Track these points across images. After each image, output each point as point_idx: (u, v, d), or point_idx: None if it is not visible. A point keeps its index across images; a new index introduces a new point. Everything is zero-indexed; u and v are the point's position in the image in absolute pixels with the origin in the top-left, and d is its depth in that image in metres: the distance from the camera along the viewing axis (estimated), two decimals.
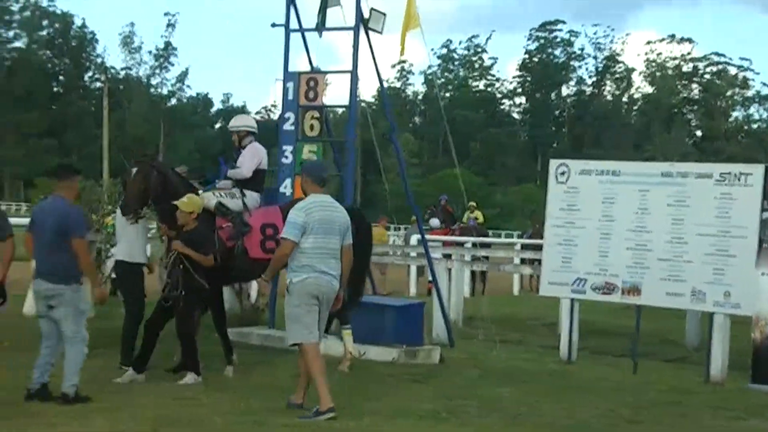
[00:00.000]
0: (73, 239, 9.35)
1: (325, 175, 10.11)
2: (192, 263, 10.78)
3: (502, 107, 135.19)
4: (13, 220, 11.15)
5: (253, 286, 16.33)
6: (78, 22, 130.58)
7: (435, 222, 27.16)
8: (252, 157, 12.45)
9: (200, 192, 12.02)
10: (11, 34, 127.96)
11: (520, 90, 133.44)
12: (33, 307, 14.91)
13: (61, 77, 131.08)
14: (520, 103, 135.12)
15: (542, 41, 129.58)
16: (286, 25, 14.51)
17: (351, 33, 13.98)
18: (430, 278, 24.70)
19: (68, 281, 9.38)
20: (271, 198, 13.29)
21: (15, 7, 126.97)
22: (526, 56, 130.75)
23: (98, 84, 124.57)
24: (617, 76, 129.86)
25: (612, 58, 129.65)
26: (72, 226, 9.43)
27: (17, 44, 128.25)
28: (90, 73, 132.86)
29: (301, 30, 14.67)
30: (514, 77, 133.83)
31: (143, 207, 11.57)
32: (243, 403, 9.55)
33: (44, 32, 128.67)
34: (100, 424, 8.42)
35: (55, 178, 10.10)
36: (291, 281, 9.37)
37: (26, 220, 13.68)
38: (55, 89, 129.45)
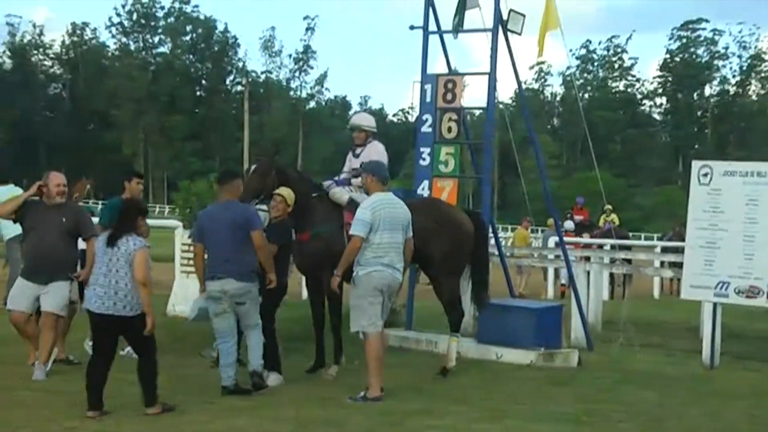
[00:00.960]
0: (252, 231, 9.98)
1: (387, 175, 10.72)
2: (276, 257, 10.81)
3: (642, 108, 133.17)
4: (157, 222, 11.59)
5: None
6: (220, 26, 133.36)
7: (569, 224, 26.76)
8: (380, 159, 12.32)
9: (330, 189, 12.10)
10: (156, 39, 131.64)
11: (661, 90, 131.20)
12: (174, 308, 15.40)
13: (203, 81, 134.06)
14: (661, 104, 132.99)
15: (684, 40, 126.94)
16: (425, 28, 14.56)
17: (489, 34, 13.97)
18: (563, 281, 24.62)
19: (253, 279, 10.12)
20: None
21: (160, 13, 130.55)
22: (668, 56, 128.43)
23: (239, 88, 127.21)
24: (763, 75, 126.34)
25: (757, 57, 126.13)
26: (251, 220, 10.12)
27: (162, 49, 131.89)
28: (231, 77, 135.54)
29: (440, 32, 14.70)
30: (654, 77, 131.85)
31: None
32: (382, 403, 9.61)
33: (187, 37, 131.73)
34: (243, 423, 8.58)
35: (219, 184, 10.62)
36: (357, 274, 10.07)
37: (168, 222, 14.12)
38: (197, 93, 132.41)
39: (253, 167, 11.75)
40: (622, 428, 9.11)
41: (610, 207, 30.04)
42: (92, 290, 8.87)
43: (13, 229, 14.93)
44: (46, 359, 10.58)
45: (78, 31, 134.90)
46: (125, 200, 10.08)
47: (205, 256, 10.20)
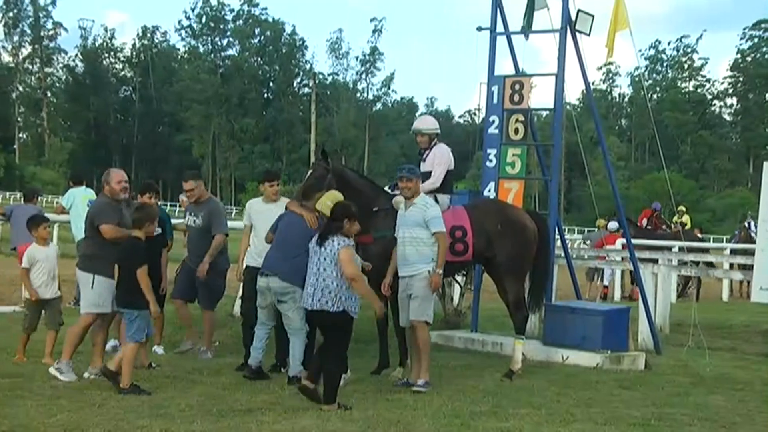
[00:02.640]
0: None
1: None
2: None
3: (712, 108, 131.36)
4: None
5: (456, 290, 16.33)
6: (288, 29, 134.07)
7: (613, 225, 26.16)
8: (441, 164, 12.08)
9: (394, 195, 11.94)
10: (225, 42, 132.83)
11: (731, 91, 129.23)
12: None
13: (271, 84, 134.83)
14: (732, 105, 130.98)
15: (756, 40, 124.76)
16: (492, 29, 14.49)
17: (557, 35, 13.87)
18: (605, 283, 24.38)
19: (298, 283, 10.22)
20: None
21: (229, 16, 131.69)
22: (739, 56, 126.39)
23: (307, 90, 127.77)
24: None
25: None
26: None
27: (230, 52, 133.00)
28: (299, 80, 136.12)
29: (507, 33, 14.62)
30: (725, 78, 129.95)
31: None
32: (450, 405, 9.59)
33: (256, 40, 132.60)
34: (309, 423, 8.58)
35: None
36: (432, 270, 10.50)
37: (236, 224, 14.30)
38: (266, 96, 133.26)
39: (309, 172, 11.60)
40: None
41: (683, 209, 29.71)
42: (306, 288, 9.62)
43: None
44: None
45: (148, 35, 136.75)
46: (336, 204, 10.20)
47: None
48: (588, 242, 26.83)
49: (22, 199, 21.12)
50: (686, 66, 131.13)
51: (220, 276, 12.67)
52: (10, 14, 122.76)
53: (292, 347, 10.50)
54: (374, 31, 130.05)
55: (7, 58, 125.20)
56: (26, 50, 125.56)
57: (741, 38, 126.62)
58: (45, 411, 8.66)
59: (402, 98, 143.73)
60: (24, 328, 11.57)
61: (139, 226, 10.07)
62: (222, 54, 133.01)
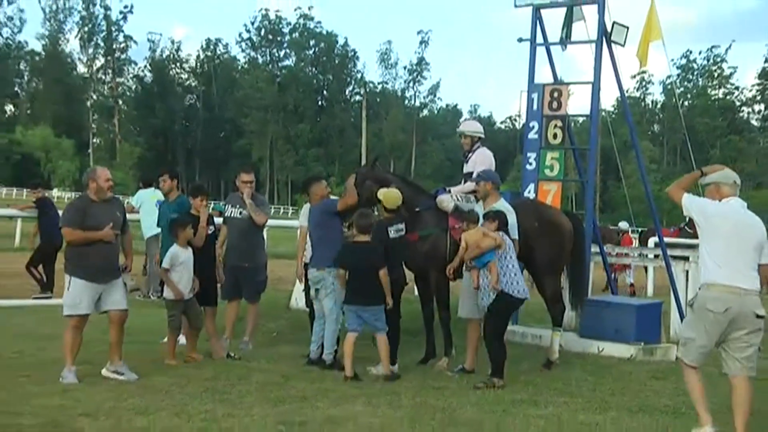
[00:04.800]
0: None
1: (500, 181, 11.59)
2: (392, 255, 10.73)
3: (741, 115, 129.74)
4: (281, 222, 11.67)
5: None
6: (341, 41, 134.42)
7: (624, 224, 25.54)
8: (482, 166, 12.00)
9: (438, 196, 11.81)
10: (282, 53, 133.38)
11: (759, 98, 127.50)
12: (297, 302, 15.54)
13: (325, 92, 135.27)
14: (759, 111, 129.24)
15: None
16: (532, 40, 14.42)
17: (593, 46, 13.78)
18: (632, 281, 24.00)
19: (330, 264, 10.58)
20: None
21: (285, 29, 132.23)
22: (766, 64, 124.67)
23: (358, 98, 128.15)
24: None
25: None
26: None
27: (287, 62, 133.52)
28: (351, 88, 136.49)
29: (546, 44, 14.55)
30: (753, 85, 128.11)
31: (352, 212, 10.93)
32: (492, 393, 9.55)
33: (311, 51, 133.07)
34: (360, 409, 8.59)
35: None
36: None
37: (292, 222, 14.24)
38: (320, 103, 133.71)
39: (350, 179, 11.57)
40: (721, 420, 8.88)
41: None
42: (513, 280, 10.12)
43: (152, 229, 15.30)
44: (120, 357, 9.90)
45: (211, 46, 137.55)
46: (498, 212, 10.48)
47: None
48: None
49: None
50: (716, 74, 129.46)
51: (264, 269, 12.61)
52: (86, 29, 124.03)
53: (326, 333, 10.68)
54: (421, 43, 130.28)
55: (82, 68, 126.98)
56: (100, 62, 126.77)
57: None
58: (115, 395, 8.75)
59: (447, 105, 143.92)
60: (172, 329, 10.86)
61: (365, 231, 10.33)
62: (279, 64, 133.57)
